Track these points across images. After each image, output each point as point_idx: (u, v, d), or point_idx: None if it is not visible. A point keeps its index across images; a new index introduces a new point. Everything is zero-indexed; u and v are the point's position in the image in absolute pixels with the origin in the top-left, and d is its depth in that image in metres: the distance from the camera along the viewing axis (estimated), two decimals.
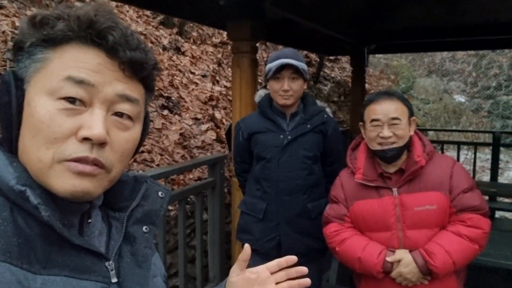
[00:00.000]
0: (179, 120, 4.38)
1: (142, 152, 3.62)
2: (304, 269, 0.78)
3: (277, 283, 0.75)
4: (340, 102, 8.13)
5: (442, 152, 5.84)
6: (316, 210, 1.92)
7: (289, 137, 1.88)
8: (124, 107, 0.57)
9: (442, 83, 12.42)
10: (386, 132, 1.54)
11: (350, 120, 5.63)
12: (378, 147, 1.56)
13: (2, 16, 3.71)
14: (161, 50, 5.64)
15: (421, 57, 12.88)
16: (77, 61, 0.54)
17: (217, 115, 4.74)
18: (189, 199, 3.10)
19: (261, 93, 2.05)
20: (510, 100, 11.09)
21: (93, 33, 0.54)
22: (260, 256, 1.96)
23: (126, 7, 5.78)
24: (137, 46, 0.58)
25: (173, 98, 4.67)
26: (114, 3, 5.47)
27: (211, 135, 4.36)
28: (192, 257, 2.82)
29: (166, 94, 4.67)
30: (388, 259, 1.54)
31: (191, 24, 6.50)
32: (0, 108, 0.54)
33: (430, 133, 7.87)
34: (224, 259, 2.86)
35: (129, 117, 0.58)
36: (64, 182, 0.52)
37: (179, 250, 2.43)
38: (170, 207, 3.11)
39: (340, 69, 8.86)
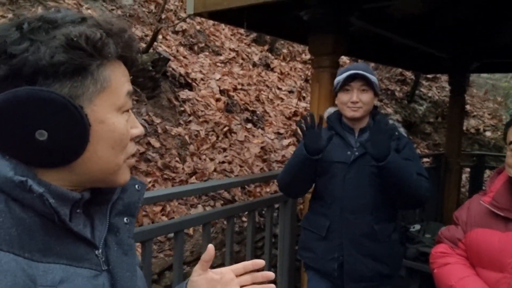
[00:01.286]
0: (261, 134, 4.45)
1: (223, 162, 3.74)
2: (271, 274, 0.76)
3: (242, 286, 0.76)
4: (436, 123, 7.58)
5: None
6: (384, 233, 1.79)
7: (357, 153, 1.79)
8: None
9: None
10: None
11: (446, 143, 5.20)
12: None
13: None
14: (251, 66, 5.83)
15: None
16: (124, 75, 0.62)
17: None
18: (263, 212, 3.10)
19: (330, 110, 1.99)
20: None
21: (131, 54, 0.62)
22: (320, 275, 1.88)
23: (222, 25, 6.10)
24: (139, 50, 0.66)
25: (258, 112, 4.77)
26: (211, 22, 5.82)
27: (292, 150, 4.34)
28: (261, 270, 2.81)
29: (251, 108, 4.79)
30: None
31: (282, 42, 6.63)
32: (58, 132, 0.53)
33: None
34: (293, 274, 2.79)
35: None
36: (126, 175, 0.64)
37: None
38: (244, 219, 3.15)
39: (438, 88, 8.28)
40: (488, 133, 7.71)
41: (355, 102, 1.76)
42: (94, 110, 0.56)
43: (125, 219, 0.67)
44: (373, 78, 1.77)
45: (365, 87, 1.77)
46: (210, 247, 0.75)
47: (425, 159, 5.87)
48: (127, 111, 0.62)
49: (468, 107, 7.15)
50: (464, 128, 5.16)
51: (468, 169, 5.55)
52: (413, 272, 2.49)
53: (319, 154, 1.71)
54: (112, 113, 0.59)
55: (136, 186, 0.70)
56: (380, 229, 1.77)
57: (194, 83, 4.61)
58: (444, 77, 8.02)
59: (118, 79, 0.60)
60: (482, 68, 4.89)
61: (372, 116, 1.86)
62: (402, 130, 1.87)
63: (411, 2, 3.10)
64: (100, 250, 0.62)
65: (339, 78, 1.81)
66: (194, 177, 3.39)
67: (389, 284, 1.85)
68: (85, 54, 0.54)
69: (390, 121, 1.86)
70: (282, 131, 4.67)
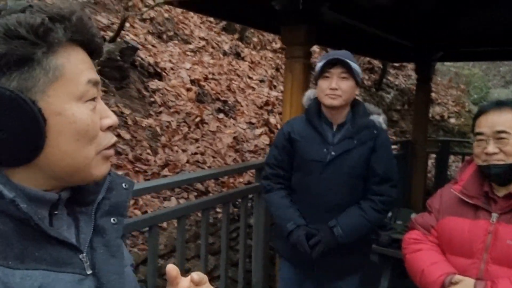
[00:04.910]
0: (233, 124, 4.43)
1: (196, 153, 3.71)
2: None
3: None
4: (403, 110, 7.79)
5: None
6: None
7: (333, 153, 1.75)
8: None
9: None
10: (491, 148, 1.35)
11: (412, 130, 5.35)
12: (484, 163, 1.38)
13: None
14: (221, 55, 5.77)
15: (497, 66, 11.94)
16: (82, 63, 0.57)
17: (272, 120, 4.73)
18: (237, 203, 3.11)
19: (309, 94, 1.88)
20: None
21: (86, 38, 0.58)
22: (291, 263, 1.92)
23: (191, 13, 5.98)
24: (99, 34, 0.62)
25: (229, 102, 4.74)
26: (179, 10, 5.69)
27: (265, 139, 4.36)
28: (236, 261, 2.82)
29: (223, 98, 4.75)
30: (449, 277, 1.39)
31: (252, 30, 6.58)
32: (10, 128, 0.51)
33: None
34: (268, 264, 2.82)
35: None
36: (102, 168, 0.60)
37: (222, 252, 2.43)
38: (218, 210, 3.15)
39: (405, 76, 8.49)
40: (452, 120, 8.01)
41: (333, 89, 1.68)
42: (49, 102, 0.53)
43: (112, 219, 0.64)
44: (355, 65, 1.70)
45: (346, 74, 1.69)
46: (169, 269, 0.64)
47: (393, 146, 6.03)
48: (93, 100, 0.58)
49: (433, 94, 7.37)
50: (430, 115, 5.32)
51: (433, 155, 5.74)
52: (385, 258, 2.57)
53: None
54: (71, 103, 0.55)
55: (124, 184, 0.68)
56: None
57: (163, 73, 4.51)
58: (410, 66, 8.23)
59: (74, 67, 0.56)
60: (446, 56, 5.04)
61: (352, 108, 1.80)
62: (382, 119, 1.82)
63: None
64: (85, 253, 0.60)
65: (319, 64, 1.74)
66: (166, 169, 3.34)
67: (360, 271, 1.90)
68: (27, 43, 0.51)
69: (372, 109, 1.86)
70: (254, 120, 4.67)
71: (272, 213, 1.94)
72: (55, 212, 0.60)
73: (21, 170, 0.54)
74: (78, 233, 0.61)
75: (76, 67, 0.56)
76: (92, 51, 0.60)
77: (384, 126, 1.85)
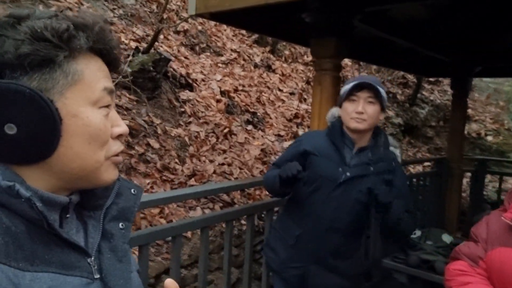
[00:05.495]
0: (262, 136, 4.42)
1: (223, 164, 3.71)
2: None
3: None
4: (438, 127, 7.55)
5: None
6: (350, 252, 1.78)
7: (348, 174, 1.71)
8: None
9: None
10: None
11: (448, 147, 5.17)
12: None
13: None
14: (252, 68, 5.80)
15: None
16: (100, 71, 0.60)
17: (301, 132, 4.69)
18: (262, 215, 3.07)
19: (334, 111, 1.87)
20: None
21: (106, 48, 0.61)
22: (283, 280, 1.87)
23: (224, 26, 6.08)
24: (118, 47, 0.64)
25: (258, 114, 4.74)
26: (212, 22, 5.80)
27: None
28: (260, 275, 2.78)
29: (252, 110, 4.76)
30: None
31: (284, 43, 6.60)
32: (27, 125, 0.53)
33: None
34: None
35: None
36: (111, 174, 0.62)
37: (245, 265, 2.40)
38: (243, 222, 3.13)
39: (440, 92, 8.26)
40: (489, 138, 7.68)
41: (360, 113, 1.67)
42: (66, 104, 0.56)
43: (120, 224, 0.65)
44: (382, 90, 1.69)
45: (373, 99, 1.68)
46: (167, 284, 0.62)
47: (426, 163, 5.84)
48: (107, 107, 0.60)
49: (470, 111, 7.12)
50: (466, 132, 5.12)
51: (469, 174, 5.51)
52: (414, 280, 2.46)
53: (288, 186, 1.67)
54: (86, 107, 0.57)
55: (132, 190, 0.69)
56: (347, 249, 1.78)
57: (194, 84, 4.58)
58: (446, 81, 8.00)
59: (92, 74, 0.59)
60: (484, 72, 4.86)
61: (374, 136, 1.79)
62: (398, 153, 1.81)
63: (412, 6, 3.07)
64: (93, 258, 0.61)
65: (346, 87, 1.73)
66: (193, 179, 3.36)
67: None
68: (51, 45, 0.54)
69: (391, 141, 1.82)
70: (282, 133, 4.64)
71: (267, 188, 1.89)
72: (67, 216, 0.61)
73: (32, 170, 0.56)
74: (87, 237, 0.62)
75: (94, 74, 0.59)
76: (110, 61, 0.63)
77: (399, 158, 1.83)
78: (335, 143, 1.77)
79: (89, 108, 0.58)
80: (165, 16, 4.70)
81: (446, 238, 2.71)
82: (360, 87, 1.69)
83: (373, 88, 1.67)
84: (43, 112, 0.53)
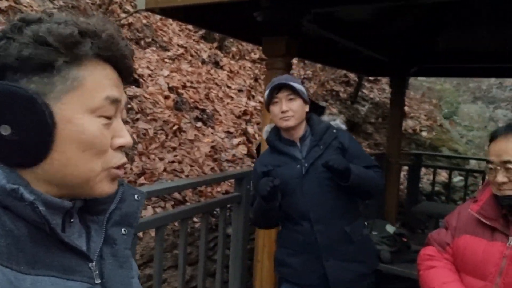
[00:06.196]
0: (211, 133, 4.41)
1: (173, 162, 3.66)
2: None
3: None
4: (377, 123, 7.95)
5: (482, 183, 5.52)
6: (356, 232, 1.83)
7: (306, 165, 1.81)
8: (125, 114, 0.64)
9: (488, 111, 11.90)
10: (500, 178, 1.32)
11: (387, 143, 5.48)
12: (497, 192, 1.36)
13: None
14: (200, 64, 5.75)
15: (466, 82, 12.40)
16: (106, 79, 0.59)
17: (250, 129, 4.74)
18: (215, 212, 3.08)
19: (267, 128, 1.98)
20: None
21: (114, 56, 0.60)
22: (298, 287, 1.87)
23: (169, 20, 5.96)
24: (131, 56, 0.63)
25: (207, 111, 4.72)
26: (158, 16, 5.66)
27: (243, 149, 4.36)
28: (214, 271, 2.79)
29: (201, 107, 4.73)
30: None
31: (231, 40, 6.61)
32: (21, 127, 0.53)
33: (472, 162, 7.50)
34: (246, 275, 2.81)
35: None
36: (106, 186, 0.60)
37: (200, 262, 2.40)
38: (195, 219, 3.11)
39: (379, 90, 8.70)
40: (424, 133, 8.23)
41: (285, 112, 1.78)
42: (62, 109, 0.55)
43: (122, 230, 0.65)
44: (299, 86, 1.81)
45: (292, 95, 1.79)
46: None
47: None
48: (108, 118, 0.59)
49: (406, 108, 7.58)
50: (403, 128, 5.46)
51: (406, 168, 5.87)
52: None
53: (273, 199, 1.74)
54: (83, 114, 0.57)
55: (136, 196, 0.69)
56: (352, 229, 1.83)
57: (141, 80, 4.46)
58: (384, 80, 8.44)
59: (96, 81, 0.58)
60: (420, 72, 5.21)
61: (308, 121, 1.90)
62: (338, 122, 1.93)
63: (357, 9, 3.22)
64: (94, 262, 0.60)
65: (266, 92, 1.84)
66: (143, 177, 3.28)
67: (369, 280, 1.91)
68: (51, 50, 0.54)
69: (325, 118, 1.93)
70: (232, 130, 4.66)
71: (258, 218, 1.96)
72: (71, 220, 0.60)
73: (27, 174, 0.56)
74: (89, 242, 0.62)
75: (98, 81, 0.58)
76: (121, 70, 0.62)
77: (342, 126, 1.95)
78: (279, 149, 1.87)
79: (86, 115, 0.57)
80: (109, 8, 4.52)
81: (390, 228, 2.89)
82: (277, 88, 1.79)
83: (289, 86, 1.78)
84: (38, 115, 0.53)
